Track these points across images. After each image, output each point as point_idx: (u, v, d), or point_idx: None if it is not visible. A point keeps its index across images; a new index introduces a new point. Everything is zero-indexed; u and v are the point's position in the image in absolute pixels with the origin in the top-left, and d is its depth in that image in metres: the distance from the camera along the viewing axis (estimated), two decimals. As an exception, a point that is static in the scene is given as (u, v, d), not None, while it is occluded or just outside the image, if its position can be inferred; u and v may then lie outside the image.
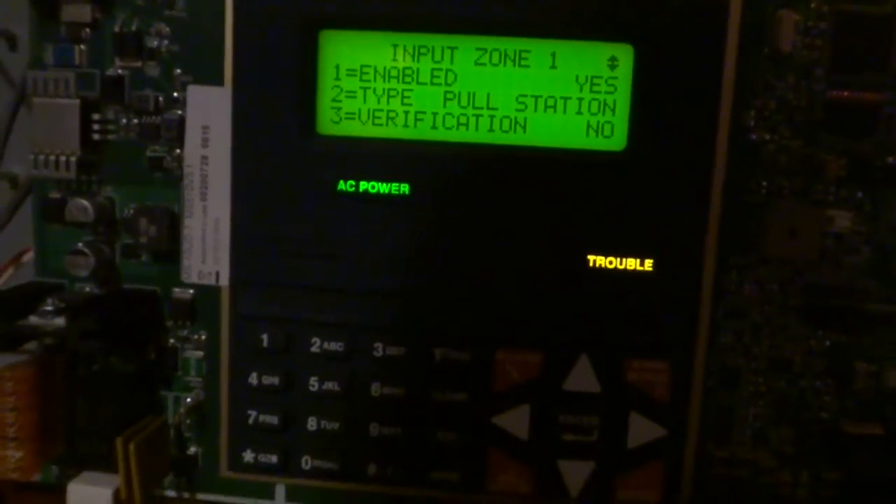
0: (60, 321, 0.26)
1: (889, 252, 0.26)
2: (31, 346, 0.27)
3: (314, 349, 0.27)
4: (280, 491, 0.29)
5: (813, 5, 0.25)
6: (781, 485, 0.27)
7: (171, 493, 0.29)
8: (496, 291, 0.26)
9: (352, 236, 0.26)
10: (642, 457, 0.26)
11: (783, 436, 0.27)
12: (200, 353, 0.28)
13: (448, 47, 0.26)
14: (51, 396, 0.27)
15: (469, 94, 0.26)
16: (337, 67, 0.26)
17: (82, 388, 0.26)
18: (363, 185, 0.26)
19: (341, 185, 0.26)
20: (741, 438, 0.27)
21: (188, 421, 0.29)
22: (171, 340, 0.28)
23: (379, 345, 0.26)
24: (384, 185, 0.26)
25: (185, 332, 0.28)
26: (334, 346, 0.27)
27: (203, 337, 0.28)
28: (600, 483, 0.26)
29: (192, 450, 0.29)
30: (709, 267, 0.26)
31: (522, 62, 0.26)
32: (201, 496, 0.29)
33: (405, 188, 0.26)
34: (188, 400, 0.28)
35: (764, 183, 0.26)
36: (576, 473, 0.26)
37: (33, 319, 0.27)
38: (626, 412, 0.26)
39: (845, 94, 0.25)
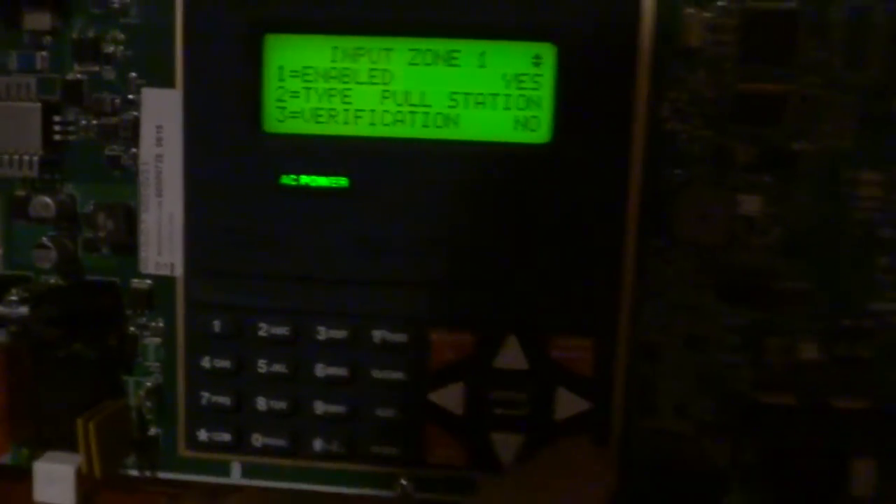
0: (25, 310, 0.28)
1: (797, 233, 0.28)
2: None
3: (262, 334, 0.28)
4: (236, 468, 0.30)
5: (720, 3, 0.27)
6: (703, 453, 0.29)
7: (133, 473, 0.31)
8: (430, 276, 0.28)
9: (295, 227, 0.28)
10: (569, 428, 0.28)
11: (703, 407, 0.29)
12: (158, 340, 0.30)
13: (384, 49, 0.28)
14: (18, 382, 0.29)
15: (404, 92, 0.28)
16: (281, 69, 0.28)
17: (47, 374, 0.28)
18: (304, 179, 0.28)
19: (284, 179, 0.28)
20: (664, 410, 0.29)
21: (148, 403, 0.30)
22: (131, 328, 0.30)
23: (322, 328, 0.28)
24: (324, 178, 0.28)
25: (143, 321, 0.30)
26: (280, 330, 0.28)
27: (160, 324, 0.30)
28: (530, 454, 0.28)
29: (153, 430, 0.31)
30: (629, 250, 0.28)
31: (453, 62, 0.28)
32: (162, 474, 0.31)
33: (344, 181, 0.28)
34: (147, 384, 0.30)
35: (678, 171, 0.28)
36: (507, 445, 0.28)
37: (0, 310, 0.29)
38: (553, 387, 0.28)
39: (753, 86, 0.27)
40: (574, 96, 0.27)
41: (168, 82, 0.28)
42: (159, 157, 0.29)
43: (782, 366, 0.28)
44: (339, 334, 0.28)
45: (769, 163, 0.27)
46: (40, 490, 0.28)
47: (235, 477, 0.30)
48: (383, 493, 0.30)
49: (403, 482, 0.29)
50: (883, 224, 0.27)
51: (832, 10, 0.27)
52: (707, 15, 0.27)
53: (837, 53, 0.27)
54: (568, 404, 0.28)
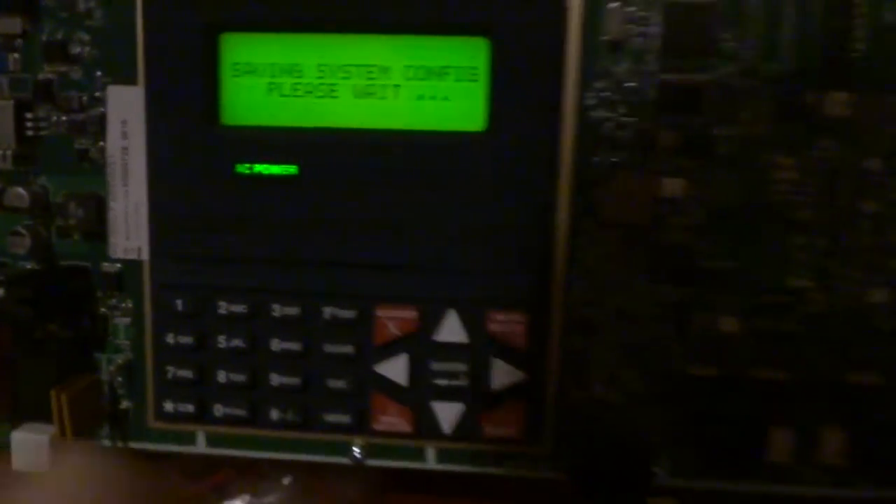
0: (1, 292, 0.30)
1: (719, 214, 0.29)
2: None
3: (221, 311, 0.31)
4: (201, 437, 0.33)
5: (644, -2, 0.29)
6: (634, 422, 0.31)
7: (106, 443, 0.33)
8: (376, 256, 0.30)
9: (250, 212, 0.30)
10: (505, 398, 0.30)
11: (633, 378, 0.31)
12: (128, 320, 0.32)
13: (330, 45, 0.30)
14: (-1, 359, 0.31)
15: (349, 86, 0.30)
16: (235, 65, 0.30)
17: (23, 352, 0.31)
18: (257, 168, 0.30)
19: (239, 168, 0.30)
20: (597, 381, 0.31)
21: (119, 379, 0.33)
22: (102, 309, 0.32)
23: (276, 306, 0.30)
24: (276, 166, 0.30)
25: (114, 302, 0.32)
26: (238, 308, 0.30)
27: (129, 305, 0.32)
28: (469, 421, 0.30)
29: (124, 404, 0.33)
30: (560, 231, 0.29)
31: (395, 56, 0.30)
32: (133, 444, 0.33)
33: (294, 169, 0.30)
34: (118, 360, 0.33)
35: (605, 156, 0.29)
36: (448, 413, 0.30)
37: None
38: (490, 359, 0.30)
39: (675, 76, 0.29)
40: (507, 87, 0.29)
41: (131, 80, 0.31)
42: (125, 150, 0.31)
43: (706, 339, 0.30)
44: (293, 311, 0.30)
45: (691, 148, 0.29)
46: (17, 458, 0.31)
47: (200, 446, 0.33)
48: (338, 459, 0.32)
49: (355, 449, 0.32)
50: (798, 205, 0.29)
51: (748, 3, 0.28)
52: (630, 9, 0.29)
53: (753, 45, 0.29)
54: (504, 375, 0.30)
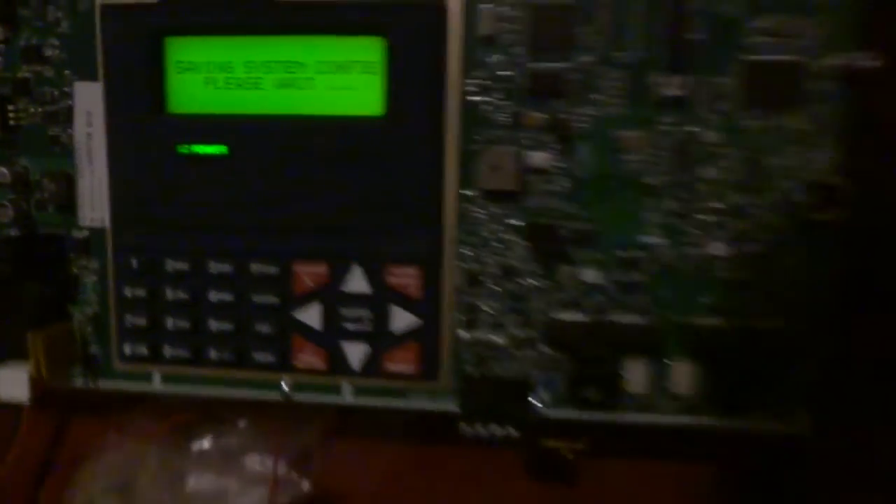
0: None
1: (580, 182, 0.35)
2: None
3: (168, 268, 0.37)
4: (156, 377, 0.39)
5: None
6: (516, 361, 0.36)
7: (79, 383, 0.39)
8: (294, 221, 0.36)
9: (190, 186, 0.36)
10: (403, 340, 0.36)
11: (514, 323, 0.36)
12: (95, 278, 0.39)
13: (256, 45, 0.36)
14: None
15: (271, 78, 0.36)
16: (178, 63, 0.36)
17: (5, 304, 0.37)
18: (195, 148, 0.36)
19: (180, 149, 0.36)
20: (484, 326, 0.36)
21: (89, 328, 0.39)
22: (74, 269, 0.39)
23: (213, 263, 0.36)
24: (210, 147, 0.36)
25: (83, 262, 0.39)
26: (182, 266, 0.36)
27: (95, 265, 0.39)
28: (374, 360, 0.36)
29: (93, 349, 0.39)
30: (449, 198, 0.35)
31: (310, 54, 0.35)
32: (101, 383, 0.39)
33: (224, 149, 0.36)
34: (87, 312, 0.39)
35: (484, 133, 0.35)
36: (356, 353, 0.36)
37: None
38: (389, 307, 0.35)
39: (541, 65, 0.34)
40: (401, 78, 0.34)
41: (93, 77, 0.37)
42: (89, 136, 0.37)
43: (573, 289, 0.35)
44: (225, 268, 0.36)
45: (555, 126, 0.34)
46: (3, 389, 0.37)
47: (157, 383, 0.39)
48: (270, 395, 0.38)
49: (283, 385, 0.37)
50: (647, 173, 0.34)
51: (601, 3, 0.34)
52: (501, 9, 0.34)
53: (606, 38, 0.34)
54: (402, 321, 0.36)
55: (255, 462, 0.45)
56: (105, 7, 0.36)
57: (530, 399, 0.36)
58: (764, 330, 0.34)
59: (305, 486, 0.45)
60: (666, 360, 0.35)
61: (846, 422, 0.36)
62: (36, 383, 0.37)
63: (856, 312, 0.35)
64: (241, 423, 0.45)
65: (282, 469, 0.45)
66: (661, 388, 0.35)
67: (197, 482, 0.45)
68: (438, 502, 0.43)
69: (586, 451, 0.37)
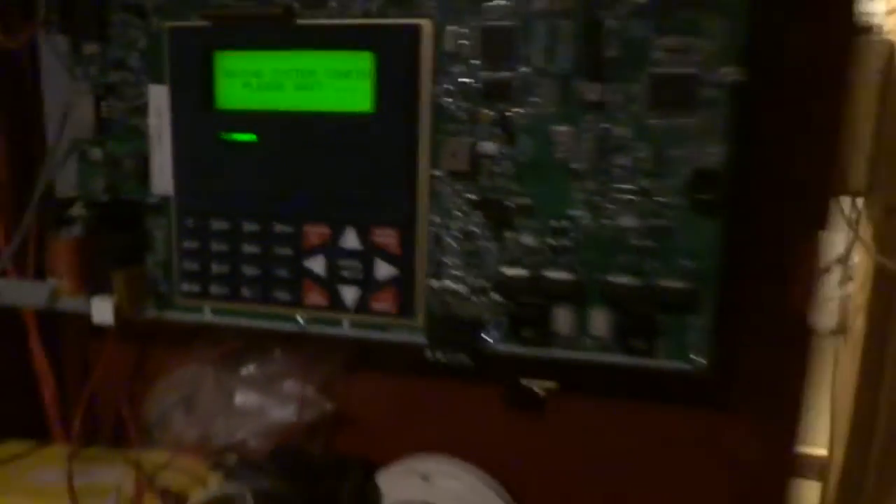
0: (85, 212, 0.49)
1: (521, 166, 0.44)
2: (77, 230, 0.51)
3: (213, 227, 0.48)
4: (207, 310, 0.51)
5: (471, 23, 0.44)
6: (472, 305, 0.46)
7: (151, 313, 0.52)
8: (304, 192, 0.47)
9: (230, 164, 0.48)
10: (385, 285, 0.46)
11: (471, 276, 0.46)
12: (163, 233, 0.51)
13: (280, 57, 0.47)
14: (85, 257, 0.50)
15: (292, 84, 0.47)
16: (225, 71, 0.48)
17: (101, 252, 0.50)
18: (233, 136, 0.47)
19: (222, 136, 0.48)
20: (447, 277, 0.46)
21: (159, 270, 0.51)
22: (147, 226, 0.51)
23: (245, 223, 0.48)
24: (243, 135, 0.47)
25: (154, 221, 0.51)
26: (223, 225, 0.48)
27: (163, 223, 0.51)
28: (363, 300, 0.47)
29: (161, 287, 0.52)
30: (423, 176, 0.45)
31: (318, 61, 0.46)
32: (167, 314, 0.52)
33: (254, 137, 0.47)
34: (158, 259, 0.51)
35: (447, 128, 0.45)
36: (350, 294, 0.47)
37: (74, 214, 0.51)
38: (374, 259, 0.46)
39: (491, 74, 0.44)
40: (386, 84, 0.45)
41: (162, 81, 0.49)
42: (159, 126, 0.49)
43: (516, 250, 0.45)
44: (255, 227, 0.48)
45: (502, 122, 0.44)
46: (95, 315, 0.50)
47: (207, 314, 0.51)
48: (290, 326, 0.50)
49: (300, 319, 0.49)
50: (573, 160, 0.43)
51: (536, 25, 0.43)
52: (462, 30, 0.44)
53: (541, 53, 0.43)
54: (384, 270, 0.46)
55: (290, 385, 0.57)
56: (171, 29, 0.48)
57: (483, 335, 0.46)
58: (666, 287, 0.43)
59: (328, 406, 0.57)
60: (587, 309, 0.44)
61: (733, 361, 0.44)
62: (118, 311, 0.49)
63: (738, 275, 0.43)
64: (278, 353, 0.57)
65: (309, 392, 0.56)
66: (582, 329, 0.44)
67: (243, 398, 0.58)
68: (432, 422, 0.54)
69: (556, 390, 0.47)
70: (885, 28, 1.10)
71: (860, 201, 0.98)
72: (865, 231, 0.97)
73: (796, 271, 0.42)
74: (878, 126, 0.97)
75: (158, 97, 0.49)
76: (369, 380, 0.56)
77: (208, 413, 0.58)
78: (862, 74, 0.96)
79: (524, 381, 0.51)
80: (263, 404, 0.57)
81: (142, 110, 0.50)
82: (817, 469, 1.15)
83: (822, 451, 1.11)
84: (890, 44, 0.95)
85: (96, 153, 0.51)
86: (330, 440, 0.57)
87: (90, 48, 0.50)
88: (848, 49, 0.40)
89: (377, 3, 0.44)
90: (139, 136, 0.50)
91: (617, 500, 0.52)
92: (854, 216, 0.94)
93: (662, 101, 0.41)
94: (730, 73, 0.40)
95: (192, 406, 0.59)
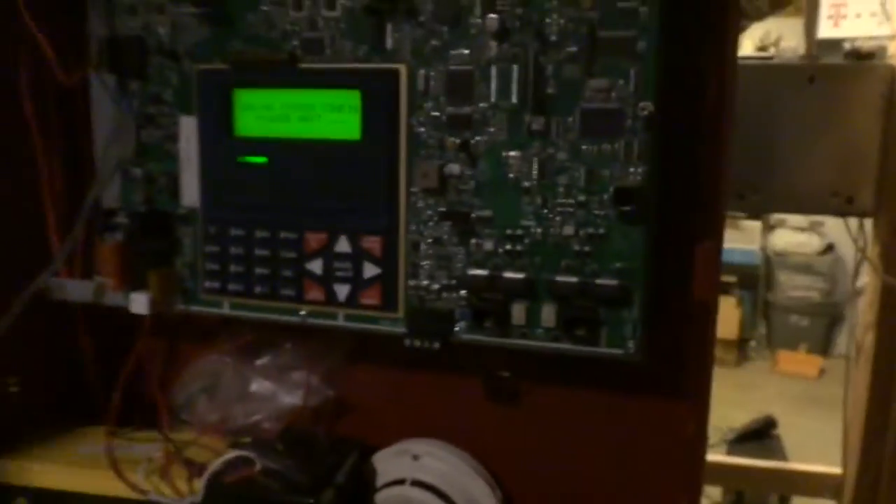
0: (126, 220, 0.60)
1: (481, 185, 0.53)
2: (118, 236, 0.61)
3: (231, 234, 0.58)
4: (225, 303, 0.61)
5: (438, 67, 0.53)
6: (443, 301, 0.55)
7: (180, 307, 0.62)
8: (306, 205, 0.56)
9: (246, 182, 0.58)
10: (371, 283, 0.56)
11: (441, 276, 0.55)
12: (190, 239, 0.61)
13: (286, 94, 0.57)
14: (125, 260, 0.61)
15: (296, 116, 0.57)
16: (242, 105, 0.58)
17: (139, 255, 0.60)
18: (248, 158, 0.57)
19: (239, 159, 0.58)
20: (423, 277, 0.55)
21: (186, 270, 0.61)
22: (177, 233, 0.61)
23: (256, 231, 0.58)
24: (257, 158, 0.57)
25: (182, 229, 0.61)
26: (240, 232, 0.58)
27: (190, 231, 0.61)
28: (353, 296, 0.56)
29: (187, 284, 0.62)
30: (402, 192, 0.55)
31: (316, 97, 0.56)
32: (192, 308, 0.62)
33: (265, 159, 0.57)
34: (186, 260, 0.61)
35: (423, 152, 0.54)
36: (342, 291, 0.56)
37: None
38: (362, 261, 0.56)
39: (454, 109, 0.53)
40: (371, 116, 0.54)
41: (191, 113, 0.59)
42: (188, 150, 0.60)
43: (479, 254, 0.54)
44: (265, 234, 0.57)
45: (465, 148, 0.53)
46: (133, 307, 0.60)
47: (226, 308, 0.61)
48: (294, 319, 0.59)
49: (302, 312, 0.58)
50: (523, 179, 0.52)
51: (491, 69, 0.52)
52: (431, 73, 0.53)
53: (495, 92, 0.52)
54: (370, 270, 0.56)
55: (297, 374, 0.66)
56: (199, 70, 0.58)
57: (453, 325, 0.55)
58: (602, 284, 0.51)
59: (330, 393, 0.66)
60: (539, 304, 0.53)
61: (660, 347, 0.53)
62: (152, 304, 0.59)
63: (659, 272, 0.51)
64: (288, 347, 0.66)
65: (313, 380, 0.66)
66: (534, 321, 0.53)
67: (258, 386, 0.67)
68: (421, 409, 0.63)
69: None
70: (890, 52, 1.17)
71: (868, 222, 1.05)
72: (873, 251, 1.04)
73: (701, 268, 0.50)
74: (883, 148, 1.04)
75: (188, 126, 0.59)
76: (366, 371, 0.65)
77: (228, 398, 0.68)
78: (865, 98, 1.04)
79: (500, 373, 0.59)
80: (275, 391, 0.67)
81: (174, 137, 0.60)
82: (833, 487, 1.21)
83: (836, 470, 1.17)
84: (892, 68, 1.03)
85: (136, 172, 0.61)
86: (331, 423, 0.66)
87: (133, 85, 0.60)
88: (728, 79, 0.48)
89: (363, 51, 0.54)
90: (171, 158, 0.60)
91: (576, 474, 0.60)
92: (861, 237, 1.01)
93: (592, 131, 0.50)
94: (645, 107, 0.49)
95: (214, 392, 0.68)
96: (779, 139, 1.00)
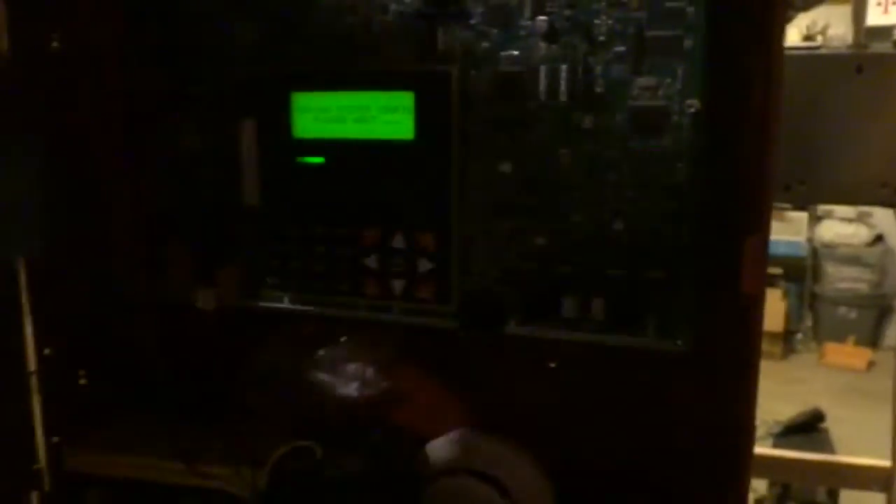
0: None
1: (531, 181, 0.55)
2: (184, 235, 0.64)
3: (293, 231, 0.61)
4: (286, 298, 0.63)
5: (488, 69, 0.55)
6: (496, 295, 0.57)
7: (244, 302, 0.65)
8: (362, 203, 0.59)
9: (306, 180, 0.60)
10: (425, 277, 0.58)
11: (495, 270, 0.57)
12: (253, 237, 0.64)
13: (343, 96, 0.59)
14: (193, 257, 0.64)
15: (352, 118, 0.59)
16: (300, 107, 0.60)
17: (202, 254, 0.63)
18: (307, 159, 0.60)
19: (299, 159, 0.60)
20: (476, 272, 0.57)
21: (249, 267, 0.64)
22: (241, 232, 0.64)
23: (316, 228, 0.60)
24: (315, 158, 0.60)
25: (247, 227, 0.64)
26: (298, 229, 0.61)
27: (253, 229, 0.64)
28: (408, 290, 0.58)
29: (250, 280, 0.65)
30: (454, 191, 0.57)
31: (372, 100, 0.58)
32: (254, 303, 0.65)
33: (322, 160, 0.60)
34: (248, 257, 0.64)
35: (474, 151, 0.56)
36: (398, 285, 0.59)
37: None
38: (417, 257, 0.58)
39: (503, 109, 0.55)
40: (424, 117, 0.56)
41: (252, 118, 0.62)
42: (249, 151, 0.62)
43: (530, 249, 0.56)
44: (324, 231, 0.60)
45: (515, 145, 0.55)
46: (202, 302, 0.63)
47: (286, 303, 0.63)
48: (352, 313, 0.61)
49: (359, 306, 0.61)
50: (572, 176, 0.54)
51: (541, 74, 0.54)
52: (481, 74, 0.55)
53: (545, 92, 0.54)
54: (424, 265, 0.58)
55: (354, 367, 0.69)
56: (258, 75, 0.61)
57: (504, 317, 0.57)
58: (651, 278, 0.53)
59: (384, 384, 0.68)
60: (588, 295, 0.55)
61: (708, 341, 0.54)
62: (218, 300, 0.62)
63: (712, 267, 0.53)
64: (345, 340, 0.69)
65: (369, 373, 0.68)
66: (585, 314, 0.55)
67: (316, 378, 0.70)
68: (471, 399, 0.65)
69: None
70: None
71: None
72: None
73: (748, 261, 0.51)
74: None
75: (248, 129, 0.62)
76: (420, 363, 0.67)
77: (288, 390, 0.70)
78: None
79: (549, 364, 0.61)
80: (334, 382, 0.69)
81: (234, 139, 0.63)
82: (881, 480, 1.21)
83: (885, 463, 1.17)
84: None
85: (200, 173, 0.64)
86: (386, 415, 0.69)
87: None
88: (774, 75, 0.49)
89: (416, 54, 0.56)
90: (233, 160, 0.63)
91: (624, 466, 0.62)
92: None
93: (640, 128, 0.52)
94: (692, 105, 0.50)
95: (275, 384, 0.71)
96: (826, 129, 1.00)
